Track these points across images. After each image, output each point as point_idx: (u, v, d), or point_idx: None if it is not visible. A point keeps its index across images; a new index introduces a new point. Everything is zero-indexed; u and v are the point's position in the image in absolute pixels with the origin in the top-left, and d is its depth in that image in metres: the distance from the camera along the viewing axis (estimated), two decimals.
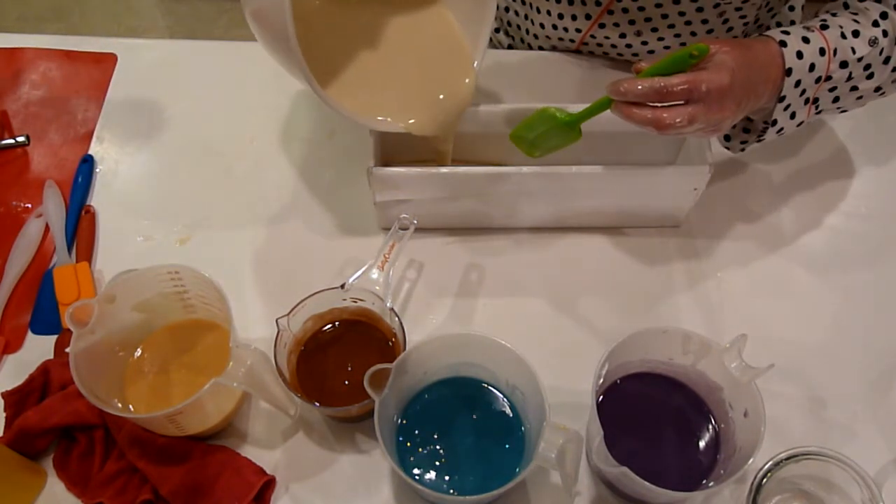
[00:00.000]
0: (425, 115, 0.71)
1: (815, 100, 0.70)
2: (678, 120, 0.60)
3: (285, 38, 0.58)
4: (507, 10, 0.96)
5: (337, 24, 0.72)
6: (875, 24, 0.69)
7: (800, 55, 0.66)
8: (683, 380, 0.66)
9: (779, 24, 0.89)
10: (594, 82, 0.91)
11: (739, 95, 0.63)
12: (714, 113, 0.61)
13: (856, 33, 0.68)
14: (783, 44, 0.66)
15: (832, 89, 0.70)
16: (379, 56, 0.72)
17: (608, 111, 0.64)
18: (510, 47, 1.00)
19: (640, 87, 0.60)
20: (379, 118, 0.70)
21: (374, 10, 0.73)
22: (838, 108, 0.73)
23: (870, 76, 0.70)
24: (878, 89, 0.72)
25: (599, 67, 0.92)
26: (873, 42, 0.68)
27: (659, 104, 0.61)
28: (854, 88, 0.70)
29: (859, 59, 0.68)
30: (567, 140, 0.70)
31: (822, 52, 0.67)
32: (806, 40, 0.67)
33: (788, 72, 0.66)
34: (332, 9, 0.72)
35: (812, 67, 0.67)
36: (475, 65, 0.73)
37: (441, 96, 0.72)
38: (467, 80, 0.73)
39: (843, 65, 0.68)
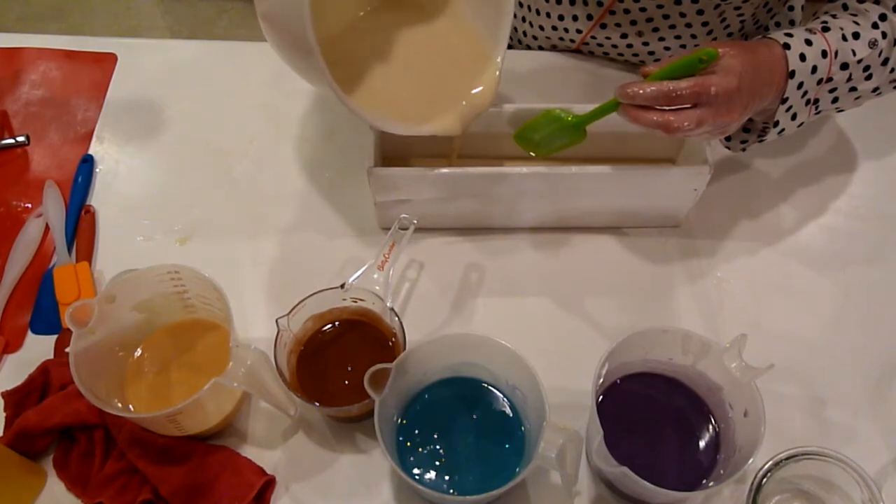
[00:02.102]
0: (449, 117, 0.71)
1: (816, 100, 0.70)
2: (686, 123, 0.61)
3: (308, 49, 0.57)
4: None
5: (356, 29, 0.72)
6: (874, 25, 0.69)
7: (802, 57, 0.66)
8: (683, 380, 0.66)
9: (778, 25, 0.89)
10: (596, 83, 0.91)
11: (746, 98, 0.63)
12: (722, 116, 0.62)
13: (856, 35, 0.68)
14: (786, 46, 0.66)
15: (832, 90, 0.70)
16: (398, 60, 0.72)
17: (614, 113, 0.64)
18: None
19: (649, 91, 0.60)
20: (403, 123, 0.69)
21: (390, 14, 0.73)
22: (836, 108, 0.73)
23: (868, 77, 0.70)
24: (875, 90, 0.72)
25: (601, 68, 0.92)
26: (873, 44, 0.68)
27: (667, 108, 0.61)
28: (853, 89, 0.71)
29: (859, 61, 0.68)
30: (572, 141, 0.70)
31: (823, 54, 0.67)
32: (808, 43, 0.67)
33: (792, 74, 0.66)
34: (350, 16, 0.71)
35: (814, 69, 0.67)
36: (497, 62, 0.73)
37: (463, 98, 0.72)
38: (488, 82, 0.73)
39: (844, 67, 0.68)
